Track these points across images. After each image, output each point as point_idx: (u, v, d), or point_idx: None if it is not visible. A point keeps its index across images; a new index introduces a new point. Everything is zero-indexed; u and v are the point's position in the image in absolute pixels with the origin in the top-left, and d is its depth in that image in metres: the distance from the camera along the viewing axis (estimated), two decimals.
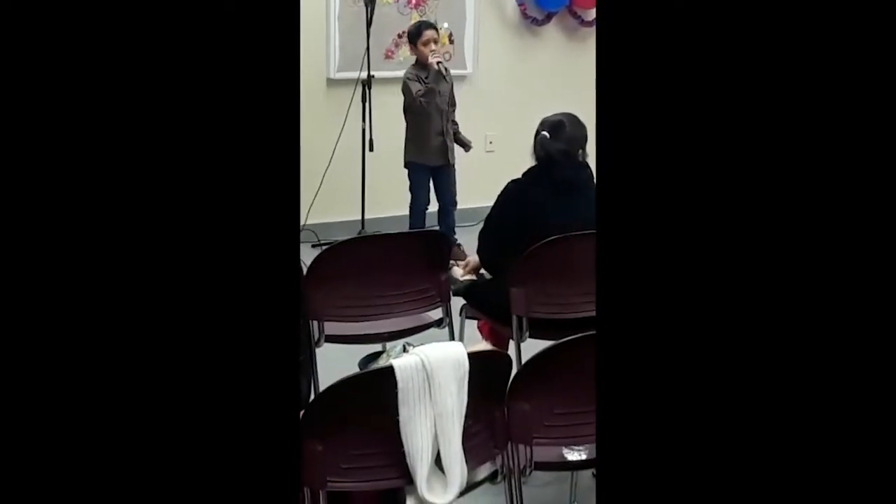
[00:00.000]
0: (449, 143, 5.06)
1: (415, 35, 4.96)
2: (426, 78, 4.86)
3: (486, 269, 3.40)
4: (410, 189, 5.17)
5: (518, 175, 3.34)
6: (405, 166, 5.15)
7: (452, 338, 3.27)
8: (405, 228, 5.10)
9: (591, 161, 3.24)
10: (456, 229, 5.31)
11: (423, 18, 5.58)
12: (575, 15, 6.33)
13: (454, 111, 5.17)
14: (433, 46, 4.89)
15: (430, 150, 5.04)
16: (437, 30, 5.01)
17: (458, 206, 5.31)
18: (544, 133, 3.23)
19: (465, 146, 5.18)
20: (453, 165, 5.13)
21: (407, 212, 5.30)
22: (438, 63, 4.85)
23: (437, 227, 5.21)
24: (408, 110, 5.03)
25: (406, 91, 4.92)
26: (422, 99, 4.84)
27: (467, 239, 5.16)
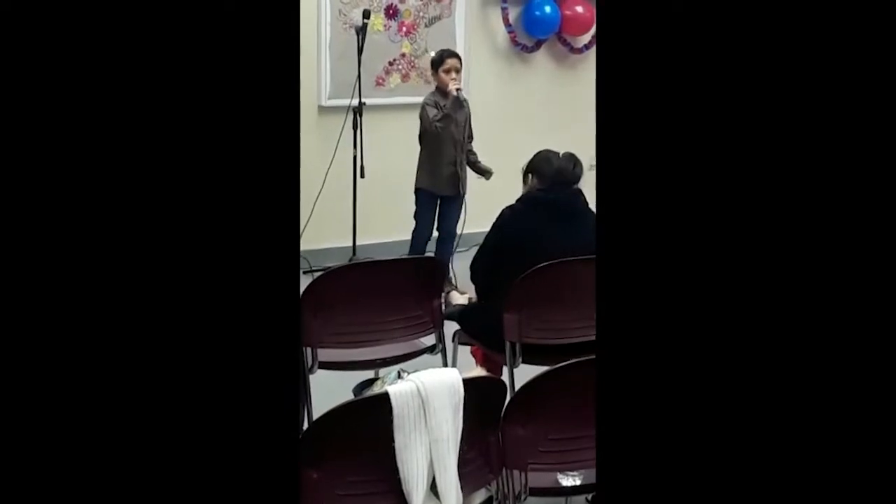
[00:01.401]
0: (461, 173, 5.01)
1: (437, 62, 4.96)
2: (444, 105, 4.85)
3: (479, 295, 3.41)
4: (415, 216, 5.14)
5: (509, 200, 3.37)
6: (415, 192, 5.12)
7: (445, 363, 3.28)
8: (396, 254, 5.09)
9: (587, 187, 3.27)
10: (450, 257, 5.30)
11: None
12: (564, 42, 6.37)
13: (471, 142, 5.14)
14: (454, 75, 4.88)
15: (441, 179, 5.01)
16: (459, 59, 5.00)
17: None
18: (547, 156, 3.29)
19: (486, 174, 5.13)
20: (463, 196, 5.08)
21: (399, 238, 5.30)
22: (458, 90, 4.84)
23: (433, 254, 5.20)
24: (423, 137, 5.00)
25: (423, 117, 4.90)
26: (438, 124, 4.81)
27: (458, 265, 5.17)
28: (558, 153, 3.34)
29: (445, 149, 4.95)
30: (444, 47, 5.30)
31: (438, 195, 5.07)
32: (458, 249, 5.40)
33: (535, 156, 3.39)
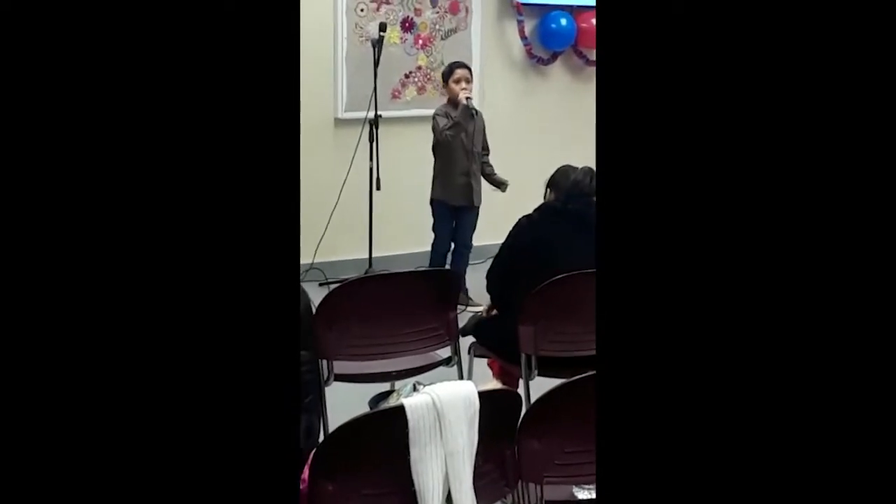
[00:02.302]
0: (474, 184, 5.04)
1: (447, 74, 5.03)
2: (454, 115, 4.90)
3: (494, 304, 3.41)
4: (433, 228, 5.18)
5: (524, 212, 3.37)
6: (430, 204, 5.16)
7: (461, 376, 3.27)
8: (412, 266, 5.09)
9: None
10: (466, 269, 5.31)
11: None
12: (580, 55, 6.38)
13: (487, 154, 5.17)
14: (464, 84, 4.94)
15: (454, 190, 5.04)
16: (469, 69, 5.06)
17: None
18: (565, 170, 3.32)
19: (502, 186, 5.17)
20: (477, 207, 5.12)
21: (415, 249, 5.33)
22: (468, 99, 4.89)
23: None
24: (436, 148, 5.05)
25: (434, 127, 4.95)
26: (448, 133, 4.86)
27: (474, 276, 5.18)
28: (577, 168, 3.35)
29: (457, 159, 4.99)
30: (460, 60, 5.33)
31: (453, 206, 5.10)
32: (474, 262, 5.41)
33: (555, 171, 3.40)
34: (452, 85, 4.96)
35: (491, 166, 5.21)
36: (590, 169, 3.31)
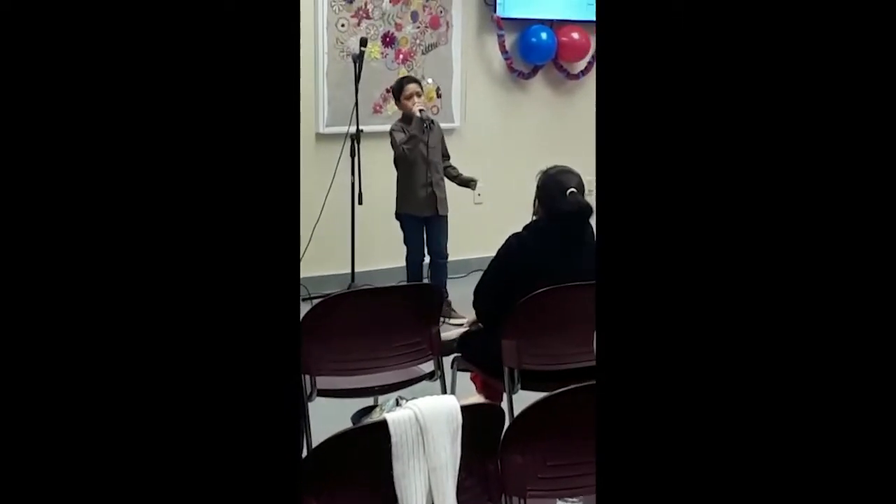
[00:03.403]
0: (438, 193, 5.09)
1: (398, 91, 5.09)
2: (410, 128, 4.97)
3: (481, 322, 3.39)
4: (405, 241, 5.20)
5: (507, 226, 3.36)
6: (396, 218, 5.19)
7: (444, 390, 3.27)
8: (395, 281, 5.11)
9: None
10: (447, 282, 5.31)
11: (411, 73, 5.66)
12: (561, 68, 6.41)
13: (448, 159, 5.23)
14: (416, 99, 5.00)
15: (418, 202, 5.08)
16: (419, 83, 5.12)
17: (448, 258, 5.33)
18: (571, 190, 3.19)
19: (470, 183, 5.21)
20: (444, 216, 5.16)
21: (397, 264, 5.33)
22: (421, 111, 4.95)
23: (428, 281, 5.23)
24: (397, 163, 5.10)
25: (392, 143, 5.01)
26: (405, 146, 4.93)
27: (457, 290, 5.19)
28: (563, 175, 3.26)
29: (417, 171, 5.04)
30: (441, 74, 5.35)
31: (420, 217, 5.13)
32: (457, 275, 5.42)
33: (544, 178, 3.30)
34: (405, 101, 5.02)
35: (455, 168, 5.25)
36: (578, 181, 3.25)
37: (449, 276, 5.34)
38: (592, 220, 3.25)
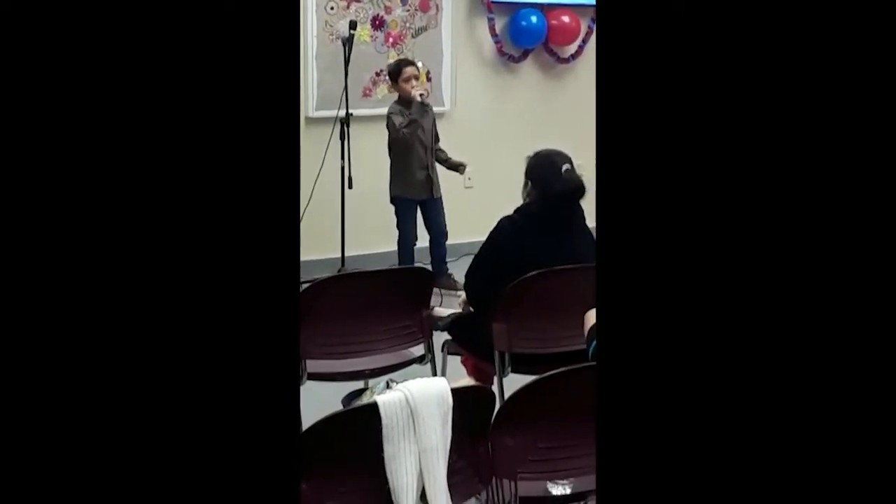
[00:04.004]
0: (433, 176, 5.15)
1: (395, 73, 5.09)
2: (409, 112, 4.97)
3: (472, 306, 3.38)
4: (397, 225, 5.22)
5: (497, 209, 3.35)
6: (391, 202, 5.21)
7: (435, 374, 3.27)
8: (385, 265, 5.11)
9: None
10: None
11: (401, 56, 5.64)
12: (551, 52, 6.39)
13: (437, 143, 5.27)
14: (414, 83, 5.03)
15: (415, 185, 5.13)
16: (416, 66, 5.14)
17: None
18: (566, 167, 3.17)
19: (460, 168, 5.27)
20: (439, 198, 5.22)
21: (387, 248, 5.34)
22: (420, 95, 4.98)
23: (426, 261, 5.26)
24: (392, 146, 5.11)
25: (390, 126, 5.01)
26: (405, 130, 4.94)
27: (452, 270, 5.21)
28: (554, 156, 3.23)
29: (415, 154, 5.08)
30: (431, 58, 5.33)
31: (415, 200, 5.17)
32: (448, 259, 5.41)
33: (533, 160, 3.27)
34: (403, 84, 5.04)
35: (444, 152, 5.30)
36: (569, 162, 3.22)
37: None
38: (584, 204, 3.25)
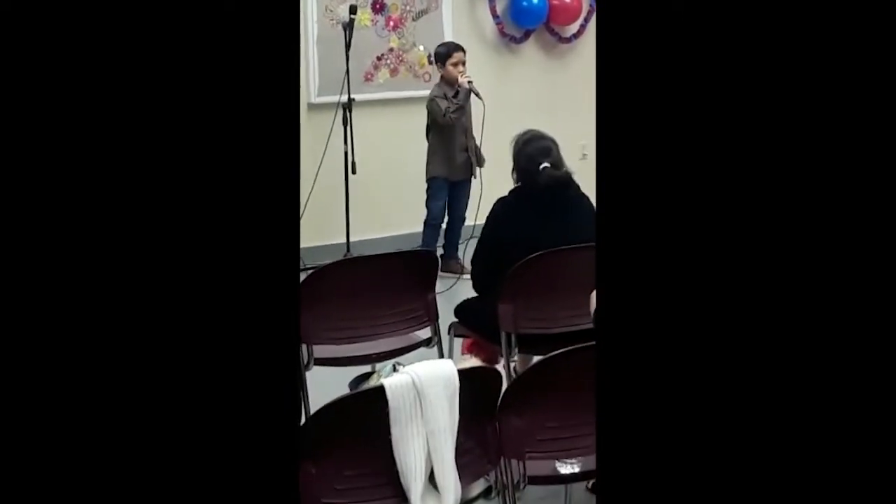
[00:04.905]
0: (472, 158, 5.24)
1: (444, 56, 5.15)
2: (454, 96, 5.03)
3: (475, 289, 3.39)
4: (427, 203, 5.28)
5: (500, 192, 3.35)
6: (427, 181, 5.25)
7: (441, 357, 3.27)
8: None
9: (578, 176, 3.26)
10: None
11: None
12: (553, 32, 6.37)
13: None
14: (461, 68, 5.09)
15: (456, 166, 5.21)
16: (464, 51, 5.19)
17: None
18: (544, 165, 3.18)
19: (480, 161, 5.29)
20: (471, 179, 5.29)
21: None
22: (470, 83, 5.03)
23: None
24: (432, 128, 5.17)
25: (434, 109, 5.07)
26: (452, 115, 5.01)
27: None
28: (533, 139, 3.26)
29: (458, 137, 5.17)
30: (432, 41, 5.32)
31: (453, 181, 5.24)
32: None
33: (519, 155, 3.29)
34: (450, 68, 5.10)
35: (473, 139, 5.33)
36: (550, 150, 3.22)
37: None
38: (582, 183, 3.26)
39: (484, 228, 3.29)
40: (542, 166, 3.17)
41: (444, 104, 5.02)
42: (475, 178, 5.27)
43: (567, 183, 3.18)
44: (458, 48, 5.18)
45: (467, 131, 5.21)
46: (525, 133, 3.34)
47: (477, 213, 4.96)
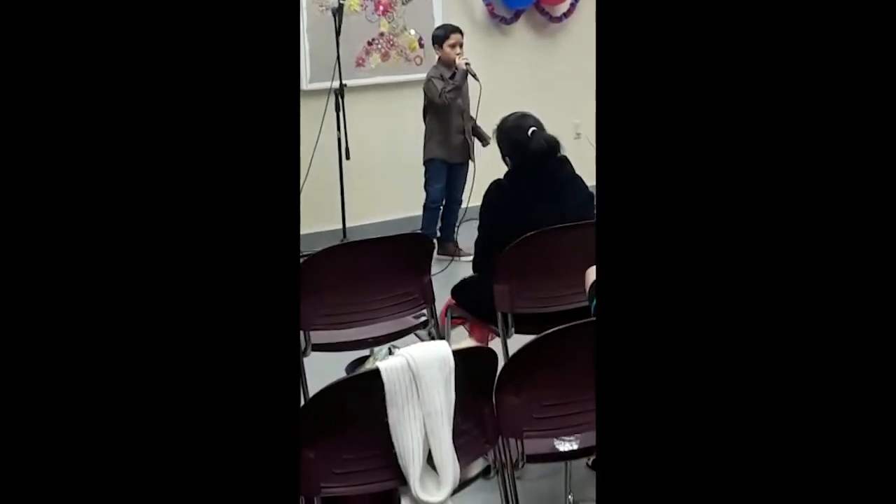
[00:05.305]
0: (469, 141, 5.24)
1: (441, 38, 5.15)
2: (451, 77, 5.03)
3: (473, 270, 3.39)
4: (426, 186, 5.28)
5: (494, 174, 3.35)
6: (424, 164, 5.24)
7: (433, 339, 3.28)
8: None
9: (571, 156, 3.26)
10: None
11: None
12: (543, 12, 6.35)
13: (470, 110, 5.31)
14: (458, 49, 5.09)
15: (453, 148, 5.21)
16: (462, 33, 5.18)
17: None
18: (533, 129, 3.21)
19: (484, 140, 5.27)
20: (469, 162, 5.27)
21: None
22: (467, 64, 5.03)
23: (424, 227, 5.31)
24: (429, 110, 5.18)
25: (430, 90, 5.08)
26: (448, 95, 5.01)
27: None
28: (526, 127, 3.24)
29: (454, 119, 5.17)
30: (423, 24, 5.30)
31: (450, 163, 5.24)
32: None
33: (504, 130, 3.31)
34: (448, 49, 5.10)
35: (474, 119, 5.33)
36: (535, 123, 3.24)
37: None
38: (576, 162, 3.27)
39: (481, 214, 3.29)
40: (530, 130, 3.20)
41: (440, 84, 5.03)
42: (472, 161, 5.26)
43: (557, 146, 3.19)
44: (456, 30, 5.17)
45: (464, 113, 5.21)
46: (510, 115, 3.36)
47: (470, 195, 4.97)
